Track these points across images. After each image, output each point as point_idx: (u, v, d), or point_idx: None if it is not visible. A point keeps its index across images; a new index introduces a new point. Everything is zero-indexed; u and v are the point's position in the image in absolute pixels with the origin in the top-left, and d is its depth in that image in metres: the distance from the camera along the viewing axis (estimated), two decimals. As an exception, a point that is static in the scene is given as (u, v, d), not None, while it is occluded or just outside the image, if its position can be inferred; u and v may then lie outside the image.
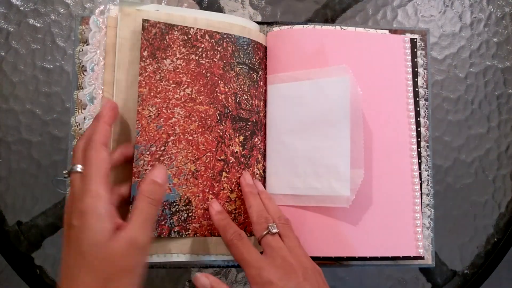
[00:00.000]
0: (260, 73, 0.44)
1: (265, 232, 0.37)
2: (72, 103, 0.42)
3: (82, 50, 0.42)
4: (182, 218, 0.40)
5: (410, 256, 0.43)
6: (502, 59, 0.54)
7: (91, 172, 0.32)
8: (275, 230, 0.37)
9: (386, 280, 0.53)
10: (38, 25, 0.52)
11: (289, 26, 0.45)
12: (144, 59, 0.40)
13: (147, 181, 0.34)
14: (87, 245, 0.30)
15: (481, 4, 0.55)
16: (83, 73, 0.42)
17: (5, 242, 0.50)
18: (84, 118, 0.41)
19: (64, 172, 0.36)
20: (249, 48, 0.43)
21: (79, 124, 0.42)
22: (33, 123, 0.51)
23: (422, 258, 0.43)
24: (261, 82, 0.44)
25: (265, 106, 0.45)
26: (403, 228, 0.43)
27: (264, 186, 0.44)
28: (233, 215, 0.42)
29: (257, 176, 0.43)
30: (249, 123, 0.43)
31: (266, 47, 0.45)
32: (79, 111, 0.42)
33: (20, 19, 0.52)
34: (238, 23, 0.43)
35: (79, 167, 0.34)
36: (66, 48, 0.51)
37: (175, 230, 0.40)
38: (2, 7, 0.52)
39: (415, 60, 0.45)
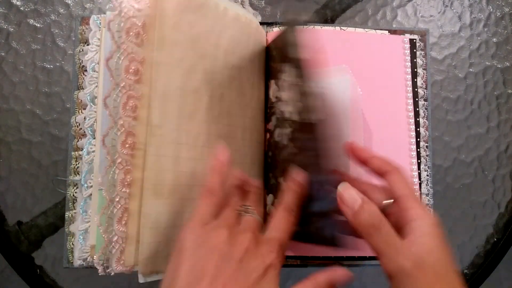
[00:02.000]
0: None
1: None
2: (72, 103, 0.42)
3: (82, 50, 0.42)
4: None
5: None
6: (502, 59, 0.54)
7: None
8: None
9: (386, 279, 0.53)
10: (38, 25, 0.52)
11: (289, 26, 0.45)
12: None
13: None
14: None
15: (481, 4, 0.55)
16: (83, 73, 0.42)
17: (6, 242, 0.50)
18: (85, 118, 0.41)
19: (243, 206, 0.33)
20: None
21: (79, 124, 0.42)
22: (33, 123, 0.51)
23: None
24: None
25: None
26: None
27: (265, 187, 0.44)
28: None
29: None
30: None
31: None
32: (79, 111, 0.42)
33: (20, 19, 0.52)
34: (253, 19, 0.42)
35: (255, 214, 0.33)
36: (66, 48, 0.52)
37: None
38: (2, 7, 0.52)
39: (415, 60, 0.46)
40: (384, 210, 0.31)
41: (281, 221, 0.33)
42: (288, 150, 0.39)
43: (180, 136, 0.34)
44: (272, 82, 0.43)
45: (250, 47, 0.41)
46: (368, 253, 0.42)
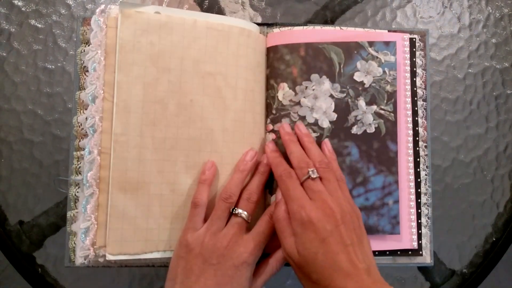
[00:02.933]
0: None
1: (306, 177, 0.38)
2: (74, 104, 0.43)
3: (84, 51, 0.43)
4: None
5: (409, 252, 0.43)
6: (501, 60, 0.55)
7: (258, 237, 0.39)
8: (315, 175, 0.38)
9: (385, 278, 0.53)
10: (39, 26, 0.52)
11: (289, 27, 0.45)
12: None
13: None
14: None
15: (480, 5, 0.55)
16: (84, 74, 0.42)
17: (7, 242, 0.50)
18: (86, 118, 0.41)
19: (233, 210, 0.39)
20: None
21: (80, 124, 0.42)
22: (35, 123, 0.51)
23: (417, 251, 0.43)
24: None
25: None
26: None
27: (267, 187, 0.44)
28: None
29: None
30: None
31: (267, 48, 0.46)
32: (81, 111, 0.42)
33: (22, 20, 0.52)
34: (237, 25, 0.43)
35: (244, 214, 0.39)
36: (67, 49, 0.52)
37: None
38: (3, 8, 0.52)
39: (414, 59, 0.46)
40: None
41: (261, 225, 0.40)
42: None
43: (144, 141, 0.40)
44: (284, 85, 0.44)
45: (231, 51, 0.42)
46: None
